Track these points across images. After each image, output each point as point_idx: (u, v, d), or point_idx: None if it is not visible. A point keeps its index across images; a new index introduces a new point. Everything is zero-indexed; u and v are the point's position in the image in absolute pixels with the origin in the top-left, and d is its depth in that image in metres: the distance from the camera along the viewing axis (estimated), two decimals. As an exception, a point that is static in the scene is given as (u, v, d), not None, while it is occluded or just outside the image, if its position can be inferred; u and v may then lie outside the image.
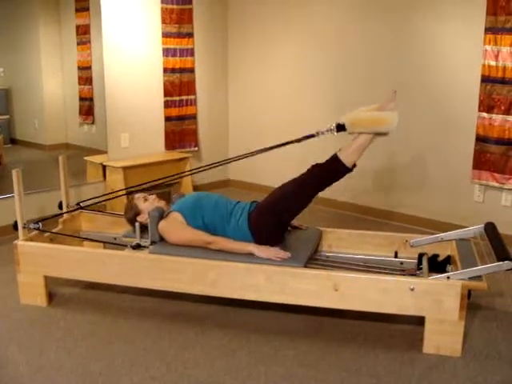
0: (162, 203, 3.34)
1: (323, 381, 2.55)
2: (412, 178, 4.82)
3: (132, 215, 3.33)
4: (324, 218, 4.87)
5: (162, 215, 3.20)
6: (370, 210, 5.11)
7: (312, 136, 3.14)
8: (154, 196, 3.39)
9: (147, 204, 3.31)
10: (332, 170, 3.05)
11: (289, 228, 3.34)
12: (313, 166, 3.10)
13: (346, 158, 3.01)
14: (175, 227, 3.11)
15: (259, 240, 3.04)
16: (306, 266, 2.89)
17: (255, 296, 2.90)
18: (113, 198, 3.97)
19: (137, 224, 3.25)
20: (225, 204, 3.20)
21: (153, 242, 3.18)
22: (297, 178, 3.12)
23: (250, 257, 2.93)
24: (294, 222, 3.39)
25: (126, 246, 3.28)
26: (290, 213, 3.14)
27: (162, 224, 3.15)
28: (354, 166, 3.07)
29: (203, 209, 3.15)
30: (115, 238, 3.57)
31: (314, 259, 3.21)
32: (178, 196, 3.44)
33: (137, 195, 3.39)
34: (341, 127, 3.00)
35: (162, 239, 3.18)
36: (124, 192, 3.94)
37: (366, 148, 3.05)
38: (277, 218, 3.09)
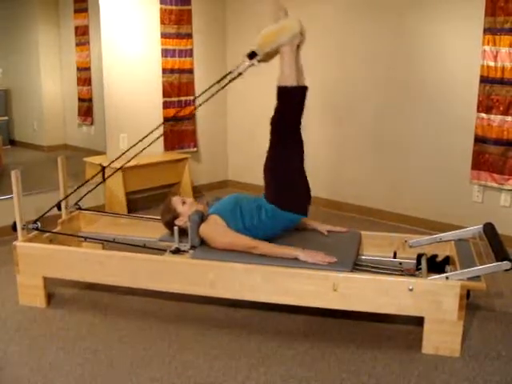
0: (200, 206, 3.24)
1: (322, 381, 2.55)
2: (411, 178, 4.83)
3: (170, 218, 3.22)
4: (321, 219, 4.87)
5: (202, 219, 3.11)
6: (368, 211, 5.11)
7: (230, 73, 3.11)
8: (192, 199, 3.30)
9: (186, 207, 3.20)
10: (287, 100, 2.97)
11: (328, 232, 3.29)
12: (272, 120, 3.02)
13: (288, 81, 2.94)
14: (218, 231, 3.04)
15: (292, 208, 2.99)
16: (352, 270, 2.84)
17: (254, 296, 2.90)
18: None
19: (175, 228, 3.13)
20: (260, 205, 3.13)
21: (192, 247, 3.10)
22: (271, 139, 3.04)
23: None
24: (335, 227, 3.36)
25: (153, 248, 3.26)
26: (294, 165, 3.05)
27: (204, 228, 3.06)
28: (305, 87, 3.01)
29: (243, 211, 3.09)
30: (114, 239, 3.56)
31: (356, 263, 3.11)
32: (215, 199, 3.34)
33: (174, 198, 3.28)
34: (252, 54, 2.98)
35: (202, 243, 3.11)
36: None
37: (299, 63, 3.03)
38: (288, 180, 3.03)
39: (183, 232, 3.15)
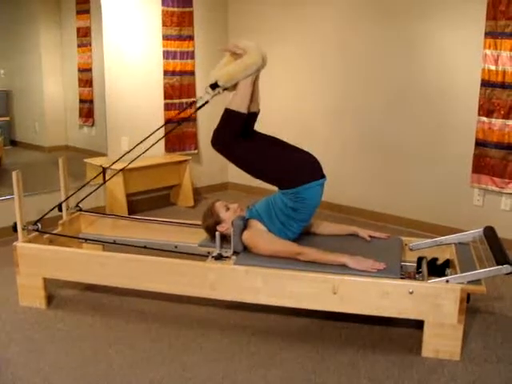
0: (243, 212, 3.18)
1: (322, 384, 2.55)
2: (411, 182, 4.83)
3: (212, 223, 3.17)
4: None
5: (245, 225, 3.07)
6: (369, 214, 5.11)
7: (193, 103, 3.17)
8: (236, 205, 3.21)
9: (229, 213, 3.14)
10: (230, 124, 2.97)
11: (370, 238, 3.25)
12: (213, 141, 3.02)
13: (238, 109, 2.95)
14: (262, 238, 2.99)
15: (303, 179, 2.93)
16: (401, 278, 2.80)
17: (254, 299, 2.89)
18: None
19: (217, 233, 3.08)
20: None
21: (235, 253, 3.06)
22: (227, 158, 3.09)
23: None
24: (376, 233, 3.32)
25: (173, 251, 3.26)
26: (267, 152, 3.03)
27: (247, 235, 3.01)
28: (254, 113, 3.05)
29: (275, 209, 3.04)
30: (114, 241, 3.56)
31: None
32: (252, 204, 3.25)
33: (218, 203, 3.22)
34: (214, 85, 2.99)
35: (244, 249, 3.06)
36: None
37: (257, 88, 3.07)
38: (274, 166, 3.00)
39: (223, 238, 3.12)
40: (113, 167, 4.94)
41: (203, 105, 3.14)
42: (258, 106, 3.17)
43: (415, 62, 4.66)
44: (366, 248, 3.11)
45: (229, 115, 2.97)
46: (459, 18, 4.33)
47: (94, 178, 3.81)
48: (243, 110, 2.95)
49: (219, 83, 2.97)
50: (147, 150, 3.50)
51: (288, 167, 2.99)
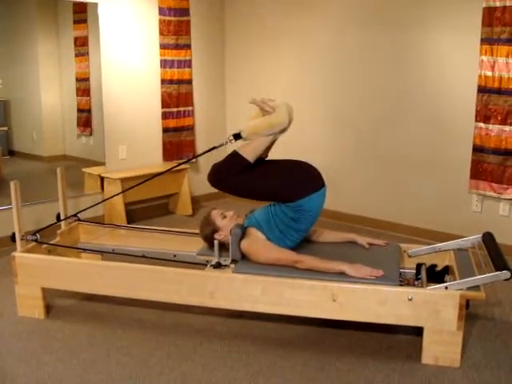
0: (240, 220, 3.19)
1: (322, 392, 2.54)
2: (409, 188, 4.83)
3: (209, 232, 3.17)
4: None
5: (243, 232, 3.07)
6: (368, 220, 5.11)
7: (214, 148, 3.18)
8: (231, 212, 3.21)
9: (226, 221, 3.15)
10: (232, 165, 3.00)
11: (369, 245, 3.25)
12: (212, 176, 3.07)
13: (246, 155, 2.97)
14: (260, 246, 3.00)
15: (302, 193, 2.94)
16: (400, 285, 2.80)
17: (253, 307, 2.89)
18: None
19: (216, 242, 3.09)
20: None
21: (233, 261, 3.06)
22: (225, 192, 3.22)
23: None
24: (374, 240, 3.32)
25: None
26: (263, 177, 3.05)
27: (246, 243, 3.02)
28: (263, 158, 3.09)
29: (275, 217, 3.04)
30: (113, 250, 3.56)
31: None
32: (250, 211, 3.26)
33: (214, 211, 3.23)
34: (237, 136, 3.02)
35: (242, 257, 3.06)
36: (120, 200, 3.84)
37: (273, 142, 3.09)
38: (273, 188, 3.02)
39: (222, 246, 3.12)
40: (111, 176, 4.99)
41: (212, 149, 3.20)
42: (268, 154, 3.17)
43: (412, 69, 4.67)
44: (364, 255, 3.11)
45: (235, 158, 2.99)
46: (456, 25, 4.35)
47: (115, 195, 3.68)
48: (251, 159, 2.97)
49: (242, 135, 2.99)
50: (181, 163, 3.47)
51: (287, 186, 3.01)
